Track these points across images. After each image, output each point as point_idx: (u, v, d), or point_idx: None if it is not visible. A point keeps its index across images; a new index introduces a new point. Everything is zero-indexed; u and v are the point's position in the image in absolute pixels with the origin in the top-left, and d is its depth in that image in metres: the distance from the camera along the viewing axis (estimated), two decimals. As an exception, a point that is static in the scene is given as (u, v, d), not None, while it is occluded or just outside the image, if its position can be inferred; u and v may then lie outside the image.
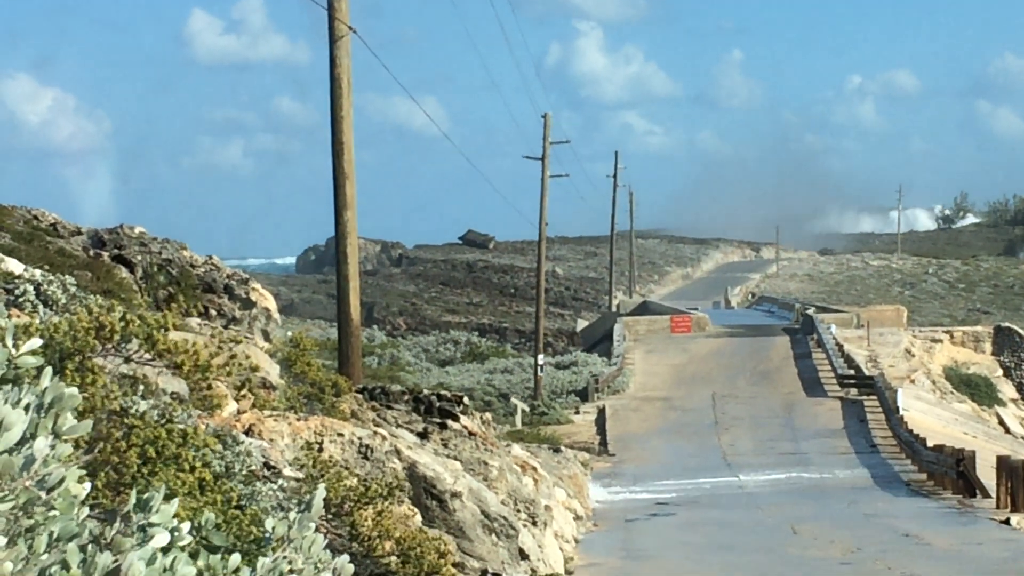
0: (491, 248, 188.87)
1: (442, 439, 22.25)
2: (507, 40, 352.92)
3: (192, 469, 10.07)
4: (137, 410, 10.57)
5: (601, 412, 67.11)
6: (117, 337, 10.94)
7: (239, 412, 14.81)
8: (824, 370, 74.51)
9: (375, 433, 17.12)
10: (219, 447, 11.50)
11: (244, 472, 11.66)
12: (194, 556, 4.65)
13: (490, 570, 16.45)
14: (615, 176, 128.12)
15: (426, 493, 16.78)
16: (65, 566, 4.09)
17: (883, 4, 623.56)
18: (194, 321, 19.75)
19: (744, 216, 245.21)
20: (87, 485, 4.25)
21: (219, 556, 4.84)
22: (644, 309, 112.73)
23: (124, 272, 22.98)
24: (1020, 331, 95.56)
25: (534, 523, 23.09)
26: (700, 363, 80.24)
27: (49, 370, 4.26)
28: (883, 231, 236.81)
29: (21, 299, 14.67)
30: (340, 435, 16.06)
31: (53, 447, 4.07)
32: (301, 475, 13.16)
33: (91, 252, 23.32)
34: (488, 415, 32.80)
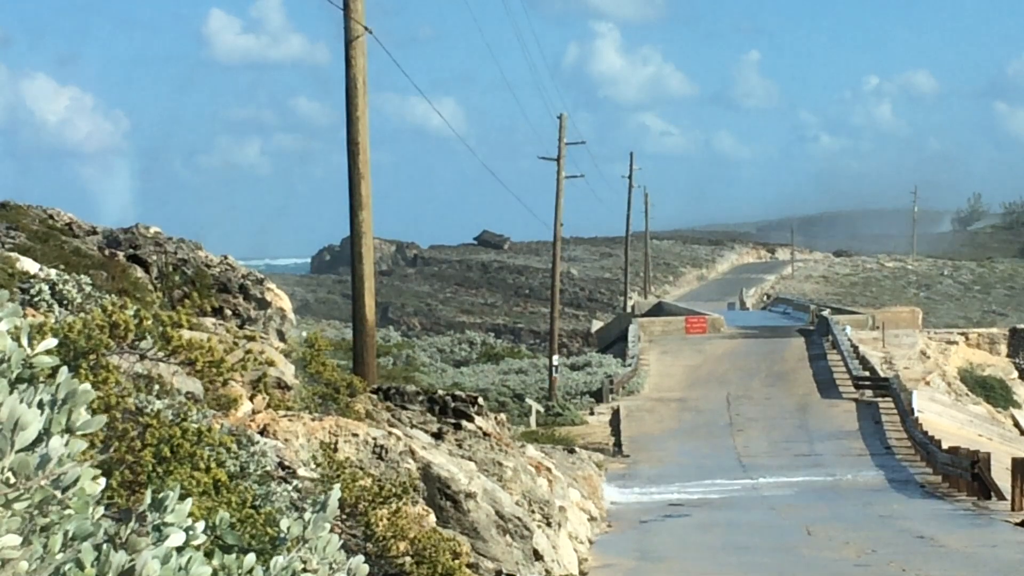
0: (506, 249, 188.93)
1: (456, 440, 22.24)
2: (524, 41, 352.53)
3: (207, 469, 10.07)
4: (152, 409, 10.58)
5: (616, 413, 67.06)
6: (131, 335, 10.95)
7: (254, 412, 14.81)
8: (839, 372, 74.41)
9: (390, 433, 17.12)
10: (234, 447, 11.50)
11: (259, 472, 11.66)
12: (209, 556, 4.65)
13: (504, 571, 16.44)
14: (630, 177, 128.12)
15: (440, 493, 16.77)
16: (80, 565, 4.08)
17: (901, 5, 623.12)
18: (209, 321, 19.77)
19: (759, 217, 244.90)
20: (102, 484, 4.24)
21: (234, 556, 4.84)
22: (659, 310, 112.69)
23: (139, 272, 23.01)
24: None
25: (548, 524, 23.08)
26: (715, 364, 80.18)
27: (64, 369, 4.26)
28: (898, 233, 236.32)
29: (36, 298, 14.69)
30: (355, 435, 16.06)
31: (67, 443, 4.07)
32: (316, 475, 13.16)
33: (106, 252, 23.35)
34: (503, 416, 32.75)
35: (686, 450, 57.90)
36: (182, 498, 4.48)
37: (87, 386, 4.20)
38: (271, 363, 14.96)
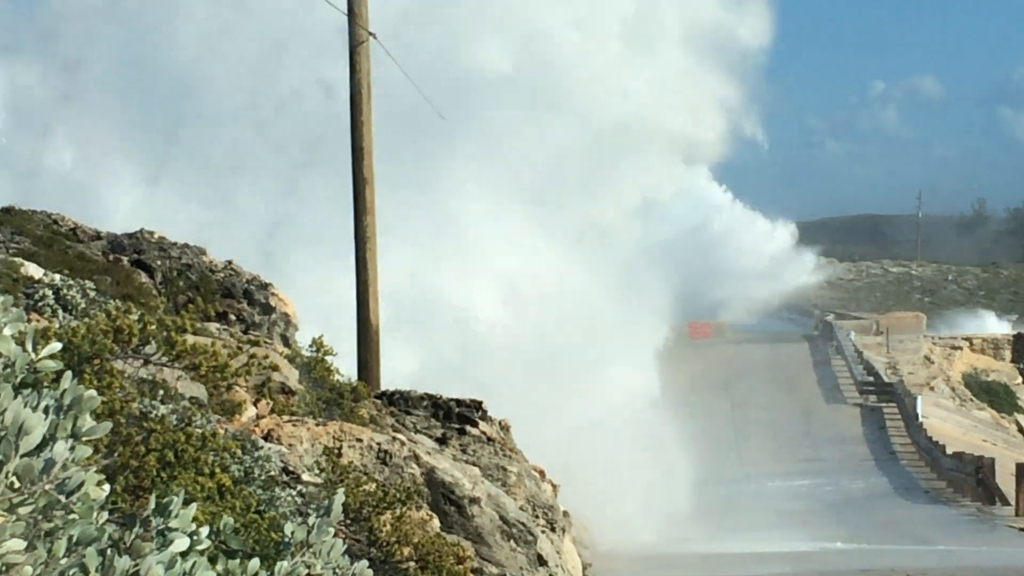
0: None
1: (461, 445, 22.24)
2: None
3: (211, 474, 10.07)
4: (156, 414, 10.58)
5: (620, 418, 66.97)
6: (135, 340, 10.95)
7: (258, 417, 14.81)
8: (843, 377, 74.36)
9: (394, 439, 17.12)
10: (238, 452, 11.49)
11: (263, 477, 11.66)
12: (213, 561, 4.65)
13: (508, 575, 16.43)
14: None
15: (444, 499, 16.77)
16: (84, 570, 4.08)
17: (907, 10, 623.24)
18: (213, 326, 19.77)
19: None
20: (106, 489, 4.24)
21: (238, 561, 4.84)
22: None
23: (144, 277, 23.01)
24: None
25: (552, 529, 23.06)
26: (719, 369, 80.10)
27: (69, 374, 4.26)
28: (903, 238, 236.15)
29: (41, 303, 14.69)
30: (359, 440, 16.05)
31: (72, 449, 4.07)
32: (320, 480, 13.16)
33: (110, 257, 23.35)
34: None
35: (690, 455, 57.84)
36: (186, 503, 4.48)
37: (93, 392, 4.20)
38: (275, 368, 14.97)
